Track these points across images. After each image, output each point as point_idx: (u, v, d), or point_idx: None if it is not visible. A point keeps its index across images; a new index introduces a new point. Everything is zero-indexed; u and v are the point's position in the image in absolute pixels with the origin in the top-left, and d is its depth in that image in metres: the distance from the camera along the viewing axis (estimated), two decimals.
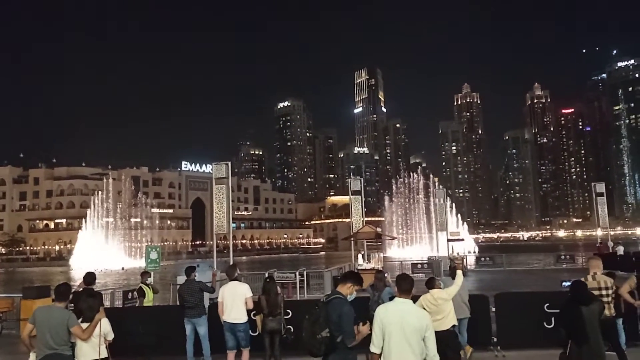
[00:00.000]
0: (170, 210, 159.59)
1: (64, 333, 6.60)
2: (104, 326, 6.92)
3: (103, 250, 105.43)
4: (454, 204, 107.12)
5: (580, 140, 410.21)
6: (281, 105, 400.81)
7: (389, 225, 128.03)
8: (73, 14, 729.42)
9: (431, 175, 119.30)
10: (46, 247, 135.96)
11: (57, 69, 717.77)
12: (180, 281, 16.42)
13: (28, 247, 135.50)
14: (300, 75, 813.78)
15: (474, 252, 67.82)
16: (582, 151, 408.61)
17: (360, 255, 29.18)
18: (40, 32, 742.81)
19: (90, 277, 10.68)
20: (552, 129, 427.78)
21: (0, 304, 17.42)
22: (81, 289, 9.72)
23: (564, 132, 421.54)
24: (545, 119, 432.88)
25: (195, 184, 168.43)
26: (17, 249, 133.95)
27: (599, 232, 41.76)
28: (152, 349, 11.46)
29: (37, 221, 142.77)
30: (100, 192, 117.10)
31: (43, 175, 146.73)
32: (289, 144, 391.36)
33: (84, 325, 6.78)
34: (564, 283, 14.29)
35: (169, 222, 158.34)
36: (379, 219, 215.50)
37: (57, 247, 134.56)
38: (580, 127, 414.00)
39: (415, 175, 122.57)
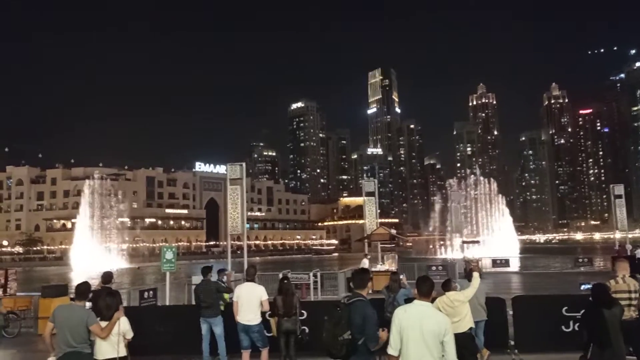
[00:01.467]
0: (185, 211, 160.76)
1: (83, 331, 6.67)
2: (123, 325, 6.98)
3: (117, 249, 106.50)
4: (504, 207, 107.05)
5: (598, 142, 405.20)
6: (294, 106, 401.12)
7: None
8: (96, 13, 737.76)
9: (492, 180, 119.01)
10: (63, 246, 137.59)
11: (75, 69, 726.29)
12: (195, 281, 16.54)
13: (45, 247, 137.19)
14: (314, 75, 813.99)
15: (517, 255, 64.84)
16: (600, 152, 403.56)
17: (366, 260, 28.38)
18: (62, 29, 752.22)
19: (107, 276, 10.79)
20: (569, 129, 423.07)
21: (19, 302, 17.68)
22: (100, 288, 9.82)
23: (581, 133, 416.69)
24: (562, 120, 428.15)
25: (209, 185, 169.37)
26: (35, 249, 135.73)
27: (618, 235, 41.11)
28: (169, 347, 11.55)
29: (54, 221, 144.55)
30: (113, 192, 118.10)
31: (60, 175, 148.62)
32: (302, 144, 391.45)
33: (103, 324, 6.86)
34: (582, 286, 14.13)
35: (183, 222, 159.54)
36: (393, 220, 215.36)
37: (73, 247, 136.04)
38: (599, 128, 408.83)
39: (474, 177, 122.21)
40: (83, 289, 7.06)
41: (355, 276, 5.85)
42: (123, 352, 6.93)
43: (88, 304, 7.91)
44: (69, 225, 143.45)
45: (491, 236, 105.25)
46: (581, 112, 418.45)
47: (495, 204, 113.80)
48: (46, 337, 6.92)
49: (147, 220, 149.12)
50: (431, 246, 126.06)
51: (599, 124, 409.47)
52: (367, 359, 5.40)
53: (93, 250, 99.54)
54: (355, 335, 5.28)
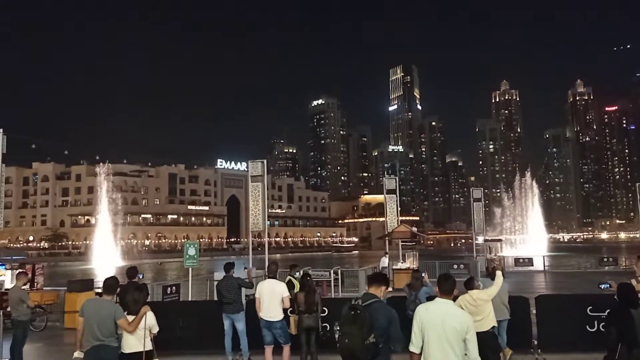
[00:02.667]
0: (206, 207, 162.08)
1: (111, 325, 6.82)
2: (149, 319, 7.10)
3: (140, 245, 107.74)
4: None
5: (624, 139, 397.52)
6: (315, 103, 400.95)
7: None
8: (115, 10, 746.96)
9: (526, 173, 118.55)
10: (87, 242, 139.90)
11: (99, 66, 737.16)
12: (217, 277, 16.70)
13: (70, 242, 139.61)
14: (334, 72, 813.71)
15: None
16: (626, 150, 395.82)
17: (385, 258, 28.40)
18: (85, 21, 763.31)
19: (132, 271, 10.97)
20: (594, 127, 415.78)
21: (46, 296, 18.06)
22: (127, 283, 10.00)
23: (607, 130, 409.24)
24: (587, 117, 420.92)
25: (230, 182, 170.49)
26: (60, 244, 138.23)
27: None
28: (192, 343, 11.70)
29: (79, 217, 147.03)
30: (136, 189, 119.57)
31: (85, 171, 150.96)
32: (322, 142, 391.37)
33: (130, 318, 6.99)
34: (601, 285, 13.91)
35: (204, 218, 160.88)
36: (414, 218, 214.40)
37: (96, 242, 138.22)
38: (625, 125, 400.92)
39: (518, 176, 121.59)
40: (111, 284, 7.21)
41: (373, 277, 5.84)
42: (149, 345, 7.04)
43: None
44: (93, 221, 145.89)
45: (521, 234, 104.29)
46: (607, 109, 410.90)
47: (530, 201, 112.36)
48: (78, 332, 7.07)
49: (169, 217, 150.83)
50: (459, 244, 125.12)
51: (625, 122, 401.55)
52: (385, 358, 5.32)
53: (116, 247, 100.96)
54: (378, 338, 5.16)
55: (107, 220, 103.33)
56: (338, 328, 5.24)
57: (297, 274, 12.98)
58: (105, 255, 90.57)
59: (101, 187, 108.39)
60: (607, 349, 6.52)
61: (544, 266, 39.33)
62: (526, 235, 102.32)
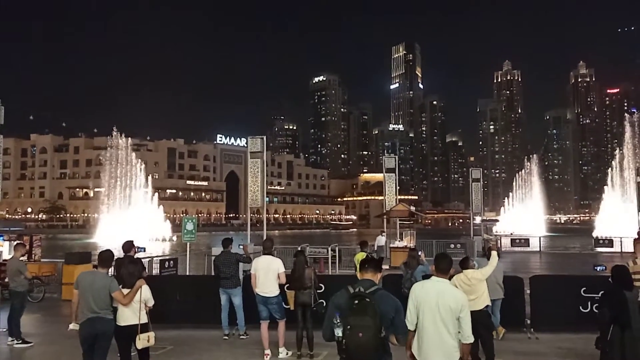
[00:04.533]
0: (205, 183, 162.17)
1: (106, 297, 6.84)
2: (144, 293, 7.13)
3: (141, 221, 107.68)
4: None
5: (624, 122, 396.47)
6: (316, 79, 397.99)
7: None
8: None
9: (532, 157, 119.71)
10: (86, 214, 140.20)
11: (99, 40, 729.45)
12: (215, 252, 16.77)
13: (68, 215, 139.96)
14: (336, 49, 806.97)
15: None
16: (627, 133, 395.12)
17: (381, 237, 28.17)
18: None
19: (128, 245, 10.98)
20: (595, 109, 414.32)
21: (44, 268, 18.16)
22: (123, 256, 10.01)
23: (608, 112, 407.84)
24: (588, 99, 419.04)
25: (229, 157, 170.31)
26: (58, 216, 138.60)
27: None
28: (189, 316, 11.80)
29: (77, 189, 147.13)
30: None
31: (83, 144, 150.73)
32: (323, 119, 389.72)
33: (125, 291, 7.02)
34: (596, 267, 14.03)
35: (203, 194, 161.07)
36: (413, 197, 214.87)
37: (96, 215, 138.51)
38: (626, 107, 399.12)
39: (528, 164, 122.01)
40: (106, 257, 7.21)
41: (368, 262, 5.07)
42: (144, 318, 7.09)
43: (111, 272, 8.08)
44: (91, 194, 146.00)
45: (517, 214, 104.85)
46: (608, 91, 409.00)
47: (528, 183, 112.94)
48: (74, 304, 7.11)
49: (168, 191, 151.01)
50: (457, 224, 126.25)
51: (626, 104, 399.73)
52: (389, 354, 4.70)
53: (114, 220, 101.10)
54: (385, 331, 4.53)
55: (104, 193, 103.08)
56: (338, 321, 4.47)
57: (367, 249, 13.71)
58: (103, 229, 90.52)
59: (99, 160, 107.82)
60: (600, 330, 6.58)
61: (540, 247, 39.57)
62: (524, 216, 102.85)
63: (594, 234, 53.69)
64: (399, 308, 4.72)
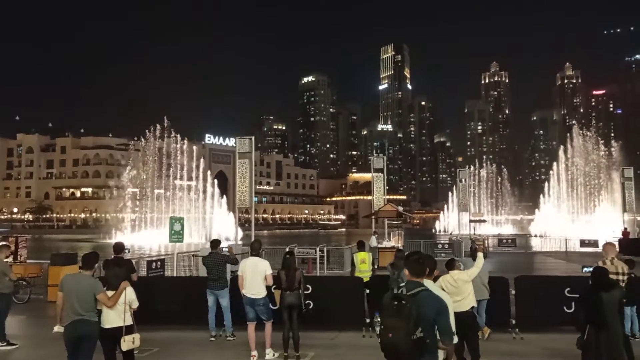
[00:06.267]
0: (193, 183, 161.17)
1: (90, 300, 6.81)
2: (129, 294, 7.11)
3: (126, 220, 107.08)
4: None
5: (610, 123, 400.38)
6: (305, 80, 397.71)
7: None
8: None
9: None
10: (72, 215, 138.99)
11: (90, 43, 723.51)
12: (203, 253, 16.69)
13: (55, 215, 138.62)
14: (326, 49, 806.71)
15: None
16: (612, 134, 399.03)
17: (374, 237, 28.16)
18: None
19: (119, 247, 10.92)
20: (581, 110, 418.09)
21: (29, 269, 17.96)
22: (113, 258, 9.96)
23: (594, 114, 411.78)
24: (575, 100, 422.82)
25: (218, 157, 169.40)
26: (44, 216, 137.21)
27: (625, 217, 41.10)
28: (176, 318, 11.76)
29: (64, 189, 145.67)
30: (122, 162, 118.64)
31: (70, 144, 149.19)
32: (312, 119, 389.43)
33: (110, 293, 6.99)
34: (585, 269, 14.17)
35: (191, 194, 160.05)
36: (401, 197, 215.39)
37: (82, 215, 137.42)
38: (611, 109, 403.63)
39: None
40: (89, 259, 7.18)
41: (413, 262, 4.90)
42: (129, 320, 7.08)
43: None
44: (77, 194, 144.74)
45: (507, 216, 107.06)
46: (594, 92, 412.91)
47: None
48: (58, 307, 7.06)
49: (156, 191, 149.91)
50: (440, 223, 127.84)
51: (612, 105, 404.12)
52: (431, 354, 4.63)
53: (103, 220, 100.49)
54: (425, 333, 4.52)
55: (94, 194, 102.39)
56: (379, 320, 4.65)
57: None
58: (91, 228, 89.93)
59: (86, 160, 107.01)
60: (578, 330, 6.68)
61: (527, 247, 39.87)
62: (513, 217, 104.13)
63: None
64: (441, 310, 4.68)
